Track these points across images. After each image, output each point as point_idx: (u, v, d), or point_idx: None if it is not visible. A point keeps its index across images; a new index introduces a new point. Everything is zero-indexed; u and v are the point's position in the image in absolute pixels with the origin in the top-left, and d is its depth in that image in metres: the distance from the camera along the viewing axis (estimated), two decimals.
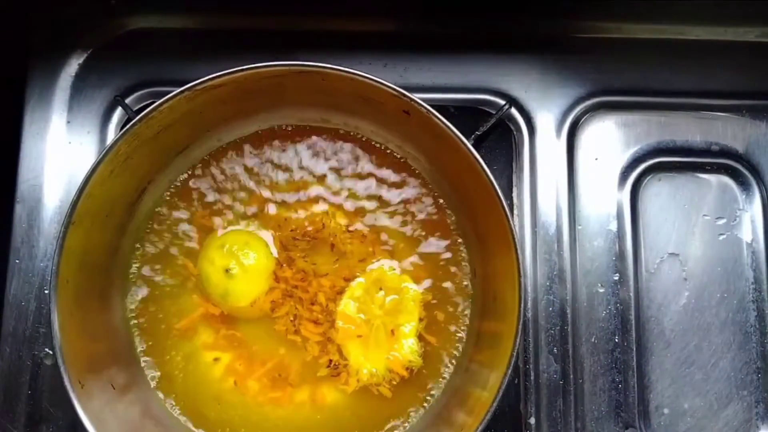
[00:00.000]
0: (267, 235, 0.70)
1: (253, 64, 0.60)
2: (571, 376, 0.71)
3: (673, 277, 0.74)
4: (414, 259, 0.71)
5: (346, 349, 0.68)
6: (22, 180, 0.73)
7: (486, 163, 0.60)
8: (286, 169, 0.72)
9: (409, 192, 0.72)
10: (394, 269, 0.70)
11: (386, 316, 0.68)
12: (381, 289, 0.68)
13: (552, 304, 0.72)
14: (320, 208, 0.71)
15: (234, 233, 0.70)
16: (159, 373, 0.69)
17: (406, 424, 0.68)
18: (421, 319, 0.69)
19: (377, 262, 0.70)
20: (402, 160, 0.72)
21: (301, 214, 0.71)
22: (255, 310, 0.69)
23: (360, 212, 0.71)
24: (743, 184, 0.76)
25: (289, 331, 0.69)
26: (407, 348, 0.68)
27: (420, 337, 0.69)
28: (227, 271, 0.67)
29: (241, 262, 0.67)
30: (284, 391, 0.69)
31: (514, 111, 0.76)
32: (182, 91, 0.60)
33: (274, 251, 0.70)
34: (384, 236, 0.71)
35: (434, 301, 0.70)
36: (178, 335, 0.70)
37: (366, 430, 0.68)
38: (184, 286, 0.70)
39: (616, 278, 0.74)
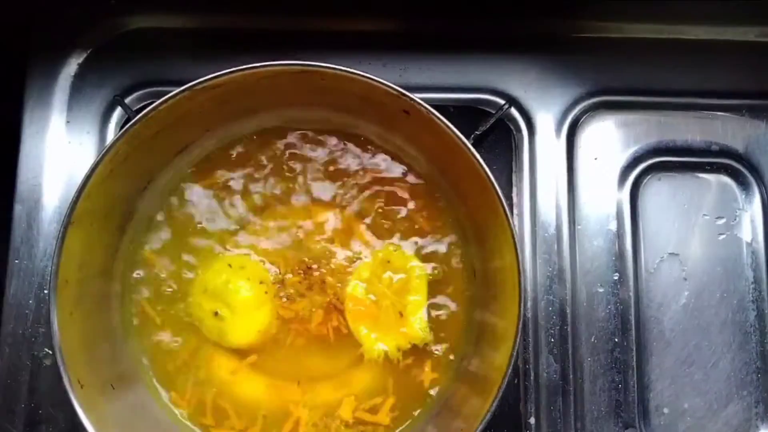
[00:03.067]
0: (264, 242, 0.70)
1: (253, 64, 0.60)
2: (571, 376, 0.71)
3: (673, 276, 0.74)
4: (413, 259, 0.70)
5: (357, 331, 0.68)
6: (21, 180, 0.73)
7: (486, 163, 0.60)
8: (285, 168, 0.72)
9: (408, 192, 0.72)
10: (400, 247, 0.70)
11: (395, 296, 0.68)
12: (388, 270, 0.69)
13: (552, 304, 0.72)
14: (319, 205, 0.71)
15: (214, 272, 0.68)
16: (159, 373, 0.69)
17: (405, 424, 0.68)
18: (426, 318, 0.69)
19: (381, 242, 0.70)
20: (402, 160, 0.72)
21: (300, 211, 0.71)
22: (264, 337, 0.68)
23: (359, 212, 0.71)
24: (743, 184, 0.76)
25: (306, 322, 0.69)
26: (417, 325, 0.68)
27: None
28: (216, 314, 0.66)
29: (228, 303, 0.66)
30: (287, 389, 0.69)
31: (513, 111, 0.76)
32: (182, 91, 0.60)
33: (272, 269, 0.69)
34: (383, 235, 0.71)
35: (433, 300, 0.70)
36: (178, 335, 0.69)
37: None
38: (183, 288, 0.70)
39: (616, 278, 0.73)
